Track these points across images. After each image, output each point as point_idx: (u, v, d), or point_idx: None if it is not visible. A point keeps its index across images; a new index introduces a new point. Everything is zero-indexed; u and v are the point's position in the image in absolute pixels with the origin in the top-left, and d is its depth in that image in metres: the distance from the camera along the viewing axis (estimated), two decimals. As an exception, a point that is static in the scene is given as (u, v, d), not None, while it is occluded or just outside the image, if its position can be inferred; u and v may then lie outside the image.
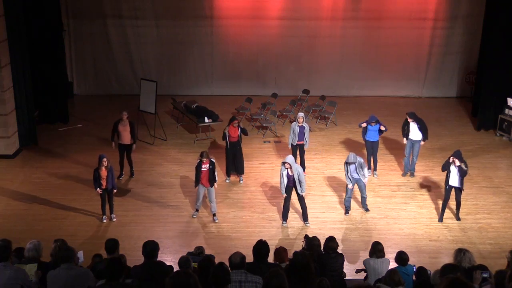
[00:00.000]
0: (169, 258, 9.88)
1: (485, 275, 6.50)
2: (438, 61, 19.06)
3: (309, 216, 11.54)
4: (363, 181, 11.61)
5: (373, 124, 13.13)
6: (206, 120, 15.41)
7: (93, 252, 8.51)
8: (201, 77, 19.27)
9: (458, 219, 11.63)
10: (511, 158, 14.84)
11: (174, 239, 10.96)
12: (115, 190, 11.43)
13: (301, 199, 11.30)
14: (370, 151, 13.38)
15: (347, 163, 11.51)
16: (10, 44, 14.06)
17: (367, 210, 11.92)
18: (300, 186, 11.04)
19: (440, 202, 12.24)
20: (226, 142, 12.96)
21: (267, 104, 16.97)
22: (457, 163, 11.04)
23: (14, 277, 6.33)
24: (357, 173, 11.51)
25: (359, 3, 18.46)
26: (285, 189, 11.16)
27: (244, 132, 13.10)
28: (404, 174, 13.48)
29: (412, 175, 13.41)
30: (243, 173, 13.27)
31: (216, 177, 11.43)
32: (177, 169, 13.77)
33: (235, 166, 13.16)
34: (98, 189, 11.18)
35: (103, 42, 18.81)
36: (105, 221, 11.47)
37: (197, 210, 11.67)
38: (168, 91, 18.25)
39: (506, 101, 15.77)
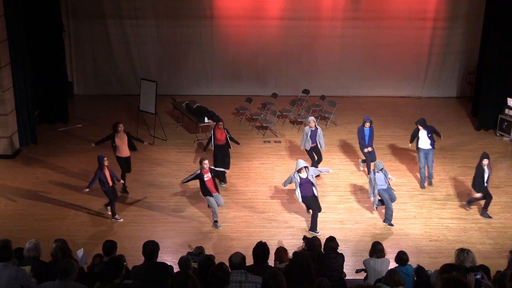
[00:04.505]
0: (169, 258, 9.88)
1: (478, 277, 6.45)
2: (438, 61, 19.07)
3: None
4: (389, 185, 11.40)
5: (367, 126, 13.08)
6: (206, 120, 15.40)
7: (94, 252, 8.51)
8: (201, 77, 19.26)
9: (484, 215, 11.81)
10: (511, 158, 14.86)
11: (174, 239, 10.95)
12: (122, 181, 11.88)
13: (316, 200, 11.18)
14: (369, 157, 13.26)
15: (375, 172, 11.23)
16: (10, 44, 14.05)
17: (390, 225, 11.51)
18: (315, 188, 11.05)
19: (440, 202, 12.33)
20: (213, 145, 12.88)
21: (267, 104, 16.97)
22: (485, 162, 11.42)
23: (14, 277, 6.32)
24: (385, 181, 11.36)
25: (359, 3, 18.46)
26: (304, 198, 11.05)
27: (231, 139, 12.93)
28: (422, 187, 12.98)
29: (430, 183, 13.05)
30: (227, 168, 13.08)
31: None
32: (177, 169, 13.76)
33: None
34: (87, 189, 11.18)
35: (103, 42, 18.80)
36: (121, 219, 11.54)
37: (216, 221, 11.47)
38: (168, 91, 18.26)
39: (506, 101, 15.78)
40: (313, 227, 11.15)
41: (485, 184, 11.65)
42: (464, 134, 16.29)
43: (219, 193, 11.34)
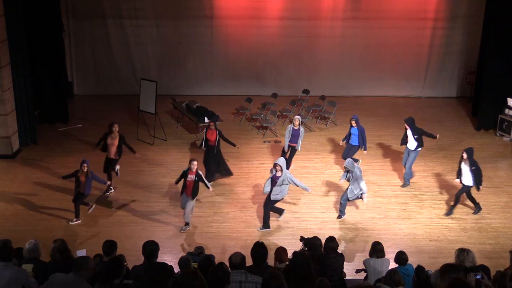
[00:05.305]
0: (169, 258, 9.89)
1: (478, 277, 6.45)
2: (438, 61, 19.08)
3: (309, 216, 11.58)
4: (363, 197, 11.21)
5: (353, 124, 13.08)
6: (206, 120, 15.39)
7: (93, 252, 8.50)
8: (201, 77, 19.26)
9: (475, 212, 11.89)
10: (511, 158, 14.86)
11: (174, 239, 10.95)
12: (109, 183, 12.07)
13: (267, 203, 11.12)
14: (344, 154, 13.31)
15: (345, 167, 11.32)
16: (10, 44, 14.04)
17: (339, 217, 11.64)
18: (276, 192, 10.85)
19: (440, 202, 12.31)
20: (206, 146, 12.84)
21: (267, 104, 16.97)
22: (464, 156, 11.39)
23: (15, 277, 6.32)
24: (353, 186, 11.15)
25: (359, 3, 18.46)
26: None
27: (220, 135, 12.79)
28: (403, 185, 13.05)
29: (403, 185, 12.98)
30: (231, 174, 13.20)
31: (197, 191, 11.07)
32: (177, 169, 13.70)
33: (219, 169, 13.00)
34: (62, 177, 11.70)
35: (103, 42, 18.79)
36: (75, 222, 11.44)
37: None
38: (168, 91, 18.25)
39: (506, 101, 15.79)
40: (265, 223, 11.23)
41: (464, 182, 11.58)
42: (464, 134, 16.30)
43: (192, 199, 11.06)
